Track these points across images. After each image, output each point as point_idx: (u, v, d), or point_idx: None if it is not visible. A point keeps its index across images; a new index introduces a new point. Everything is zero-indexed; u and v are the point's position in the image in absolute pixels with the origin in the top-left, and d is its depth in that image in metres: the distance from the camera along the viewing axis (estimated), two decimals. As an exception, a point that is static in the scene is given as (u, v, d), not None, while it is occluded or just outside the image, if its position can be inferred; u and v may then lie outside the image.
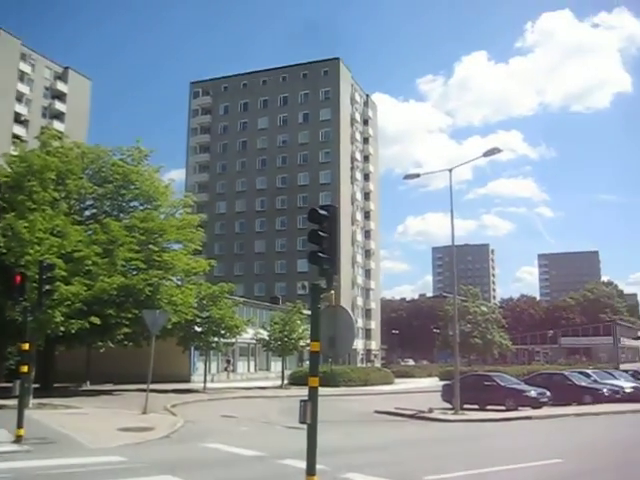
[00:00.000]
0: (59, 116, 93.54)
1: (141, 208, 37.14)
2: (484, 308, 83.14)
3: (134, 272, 33.05)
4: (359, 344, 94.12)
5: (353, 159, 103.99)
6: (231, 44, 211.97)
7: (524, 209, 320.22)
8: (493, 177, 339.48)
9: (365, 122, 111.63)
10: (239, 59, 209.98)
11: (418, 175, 30.95)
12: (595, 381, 33.13)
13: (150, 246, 34.71)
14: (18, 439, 15.11)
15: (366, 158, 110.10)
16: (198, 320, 38.74)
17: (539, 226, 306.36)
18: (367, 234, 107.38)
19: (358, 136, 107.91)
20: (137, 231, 33.99)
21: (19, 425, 15.35)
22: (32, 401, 23.27)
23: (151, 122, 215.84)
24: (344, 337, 9.31)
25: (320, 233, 9.17)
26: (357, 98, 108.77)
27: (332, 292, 9.30)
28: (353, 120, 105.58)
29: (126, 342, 35.45)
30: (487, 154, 27.31)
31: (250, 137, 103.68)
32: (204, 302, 39.30)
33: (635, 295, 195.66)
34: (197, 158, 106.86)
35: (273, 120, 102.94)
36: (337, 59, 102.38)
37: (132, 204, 37.64)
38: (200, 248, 40.11)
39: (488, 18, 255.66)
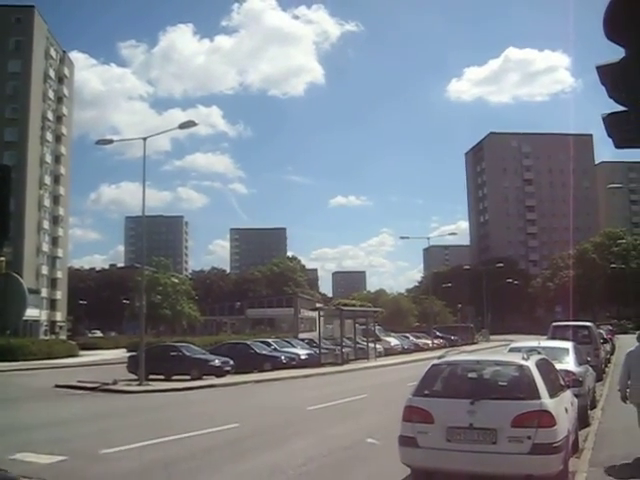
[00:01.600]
0: None
1: None
2: (175, 279, 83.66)
3: None
4: (43, 315, 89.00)
5: (44, 118, 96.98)
6: None
7: (219, 184, 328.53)
8: (191, 151, 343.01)
9: (60, 80, 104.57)
10: None
11: (111, 141, 30.12)
12: (275, 349, 35.36)
13: None
14: None
15: (59, 119, 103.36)
16: None
17: (233, 201, 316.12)
18: (56, 199, 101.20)
19: (51, 94, 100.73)
20: None
21: None
22: None
23: None
24: (13, 307, 8.66)
25: (-9, 194, 8.32)
26: (52, 53, 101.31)
27: (1, 259, 8.57)
28: (47, 76, 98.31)
29: None
30: (183, 126, 27.45)
31: None
32: None
33: (316, 270, 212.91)
34: None
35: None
36: (32, 7, 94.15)
37: None
38: None
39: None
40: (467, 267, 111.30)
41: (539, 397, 7.83)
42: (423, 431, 7.98)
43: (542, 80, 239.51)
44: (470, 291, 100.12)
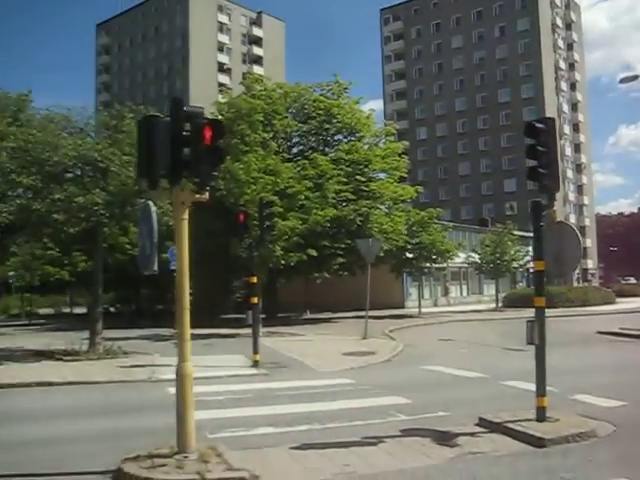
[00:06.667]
0: (258, 60, 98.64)
1: (345, 141, 38.18)
2: None
3: (344, 204, 33.83)
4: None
5: (557, 69, 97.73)
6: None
7: None
8: None
9: (568, 27, 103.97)
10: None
11: (637, 77, 28.52)
12: None
13: (357, 177, 35.49)
14: (255, 363, 16.44)
15: (571, 66, 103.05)
16: (409, 246, 39.12)
17: None
18: (577, 147, 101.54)
19: (561, 43, 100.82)
20: (343, 163, 35.04)
21: (255, 351, 16.66)
22: (262, 330, 25.02)
23: (343, 54, 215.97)
24: (570, 255, 8.98)
25: (538, 148, 8.78)
26: (557, 1, 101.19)
27: (554, 209, 8.98)
28: (554, 26, 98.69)
29: (341, 272, 36.41)
30: None
31: (445, 58, 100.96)
32: (413, 228, 39.42)
33: None
34: (393, 86, 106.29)
35: (468, 37, 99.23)
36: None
37: (336, 137, 38.82)
38: (405, 175, 40.35)
39: None
40: None
41: None
42: None
43: None
44: None
